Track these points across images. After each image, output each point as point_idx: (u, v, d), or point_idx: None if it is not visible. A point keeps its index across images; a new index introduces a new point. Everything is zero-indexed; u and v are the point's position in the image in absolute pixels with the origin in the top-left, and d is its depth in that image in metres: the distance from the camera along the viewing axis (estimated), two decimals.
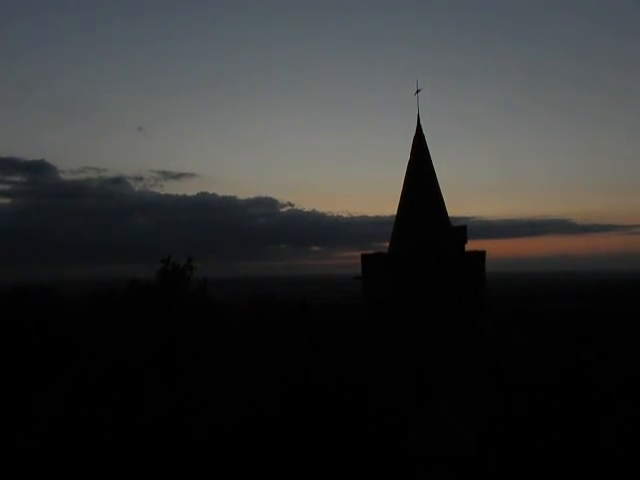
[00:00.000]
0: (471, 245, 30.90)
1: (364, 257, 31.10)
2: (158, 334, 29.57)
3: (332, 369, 29.52)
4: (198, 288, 34.14)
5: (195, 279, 35.22)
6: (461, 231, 30.31)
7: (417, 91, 31.67)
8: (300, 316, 44.63)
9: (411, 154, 31.97)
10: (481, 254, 29.83)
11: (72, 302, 50.09)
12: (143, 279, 36.47)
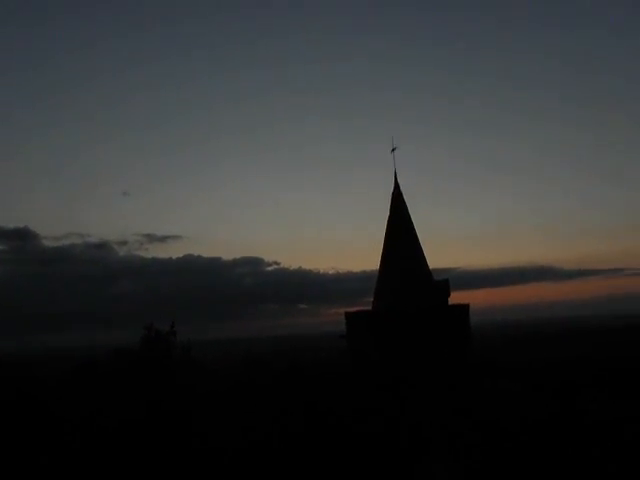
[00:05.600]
0: (457, 296, 31.11)
1: (348, 315, 31.09)
2: (140, 402, 29.05)
3: (322, 431, 29.02)
4: (182, 352, 33.74)
5: (180, 343, 34.86)
6: (444, 285, 30.49)
7: (393, 149, 32.47)
8: (289, 378, 44.06)
9: (390, 211, 32.49)
10: (465, 307, 29.96)
11: (55, 371, 49.13)
12: (127, 346, 36.02)
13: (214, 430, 28.80)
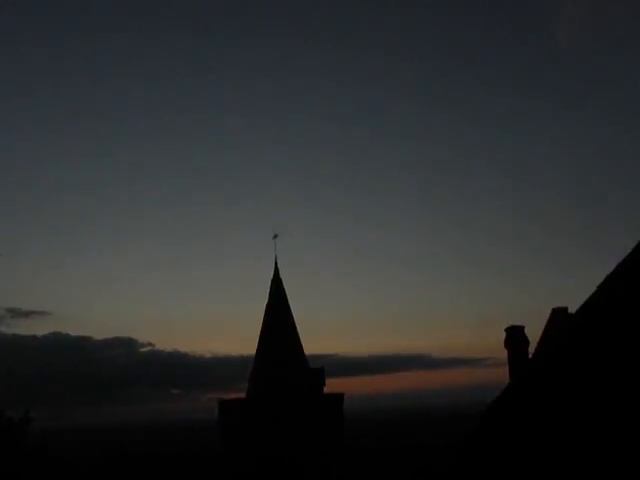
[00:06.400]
0: (332, 383, 31.25)
1: (221, 403, 30.13)
2: None
3: None
4: (36, 442, 30.91)
5: (35, 432, 31.97)
6: (319, 373, 30.43)
7: (275, 236, 32.90)
8: (153, 468, 41.58)
9: (269, 296, 32.50)
10: (339, 397, 29.98)
11: None
12: None
13: None
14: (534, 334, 21.90)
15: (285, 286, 32.72)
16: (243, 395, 31.57)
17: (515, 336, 20.19)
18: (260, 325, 32.17)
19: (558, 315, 20.93)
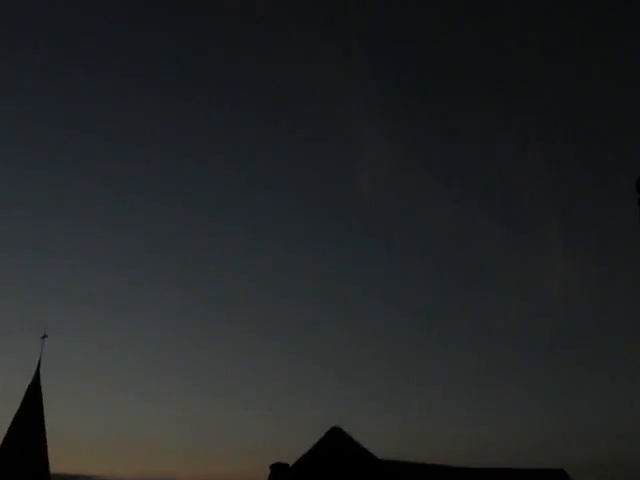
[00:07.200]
0: None
1: None
2: None
3: None
4: None
5: None
6: None
7: (44, 336, 30.38)
8: None
9: (22, 402, 29.26)
10: None
11: None
12: None
13: None
14: None
15: (44, 394, 29.72)
16: None
17: (279, 474, 20.17)
18: (3, 435, 28.52)
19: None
